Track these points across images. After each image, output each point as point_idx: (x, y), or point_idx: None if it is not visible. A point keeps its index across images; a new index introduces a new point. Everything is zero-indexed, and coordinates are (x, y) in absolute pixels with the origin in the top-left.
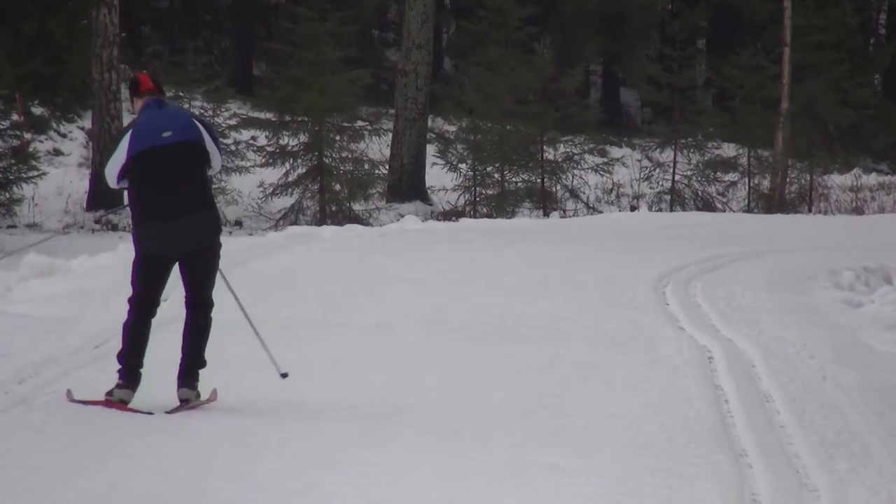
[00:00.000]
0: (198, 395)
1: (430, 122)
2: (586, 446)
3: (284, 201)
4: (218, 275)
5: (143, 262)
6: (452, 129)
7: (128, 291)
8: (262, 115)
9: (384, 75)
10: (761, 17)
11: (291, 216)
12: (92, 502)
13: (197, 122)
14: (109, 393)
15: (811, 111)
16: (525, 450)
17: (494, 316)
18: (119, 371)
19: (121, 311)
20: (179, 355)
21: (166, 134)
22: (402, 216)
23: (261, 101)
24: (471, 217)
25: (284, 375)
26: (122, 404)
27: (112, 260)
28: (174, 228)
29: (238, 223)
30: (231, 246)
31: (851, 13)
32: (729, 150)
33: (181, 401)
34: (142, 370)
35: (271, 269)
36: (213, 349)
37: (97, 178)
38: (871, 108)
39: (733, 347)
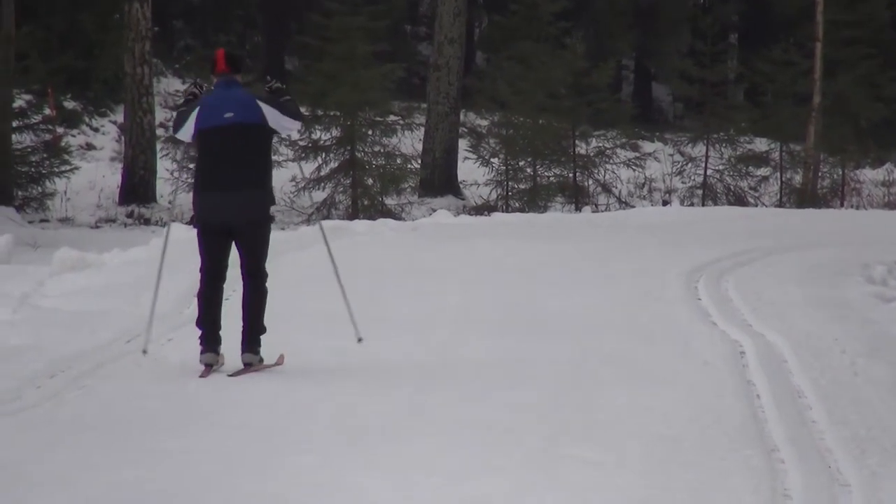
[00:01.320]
0: (260, 360)
1: (462, 117)
2: (617, 440)
3: (317, 195)
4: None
5: (200, 231)
6: (484, 123)
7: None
8: None
9: (416, 69)
10: (793, 12)
11: (324, 210)
12: (121, 496)
13: (261, 104)
14: (201, 362)
15: (843, 106)
16: (556, 443)
17: (526, 309)
18: (200, 337)
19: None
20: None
21: (228, 115)
22: (435, 210)
23: (293, 96)
24: (503, 211)
25: (360, 340)
26: (209, 368)
27: (144, 254)
28: (222, 201)
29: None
30: None
31: (883, 8)
32: (761, 144)
33: (245, 364)
34: (220, 333)
35: (303, 262)
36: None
37: (129, 172)
38: None
39: (765, 342)
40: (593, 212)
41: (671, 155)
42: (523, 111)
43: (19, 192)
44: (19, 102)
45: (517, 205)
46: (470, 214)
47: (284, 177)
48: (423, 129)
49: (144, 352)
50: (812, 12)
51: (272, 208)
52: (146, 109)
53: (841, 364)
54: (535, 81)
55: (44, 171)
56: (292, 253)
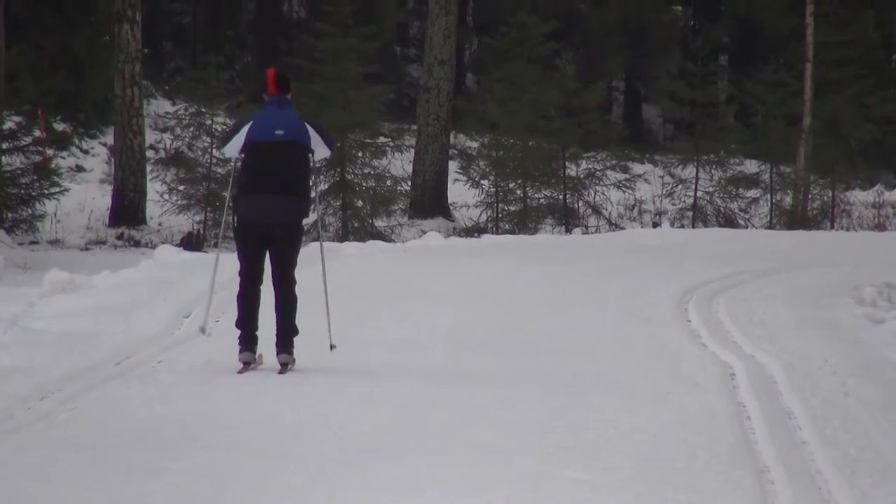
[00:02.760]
0: (294, 360)
1: (452, 139)
2: (609, 461)
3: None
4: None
5: (239, 233)
6: (475, 145)
7: (149, 306)
8: None
9: (406, 91)
10: (783, 33)
11: (313, 233)
12: None
13: (307, 125)
14: (239, 360)
15: (833, 127)
16: (547, 464)
17: (517, 331)
18: (238, 337)
19: (143, 327)
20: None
21: (279, 132)
22: (425, 232)
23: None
24: (493, 233)
25: (333, 347)
26: (246, 366)
27: (134, 276)
28: (264, 201)
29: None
30: None
31: (873, 29)
32: (751, 166)
33: (281, 364)
34: (257, 332)
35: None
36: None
37: (119, 195)
38: (893, 123)
39: (755, 363)
40: (583, 234)
41: (661, 176)
42: (513, 133)
43: (9, 214)
44: (9, 124)
45: (507, 227)
46: (460, 236)
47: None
48: (413, 151)
49: (203, 330)
50: (802, 33)
51: (305, 221)
52: (136, 131)
53: (831, 385)
54: (525, 103)
55: (34, 193)
56: None
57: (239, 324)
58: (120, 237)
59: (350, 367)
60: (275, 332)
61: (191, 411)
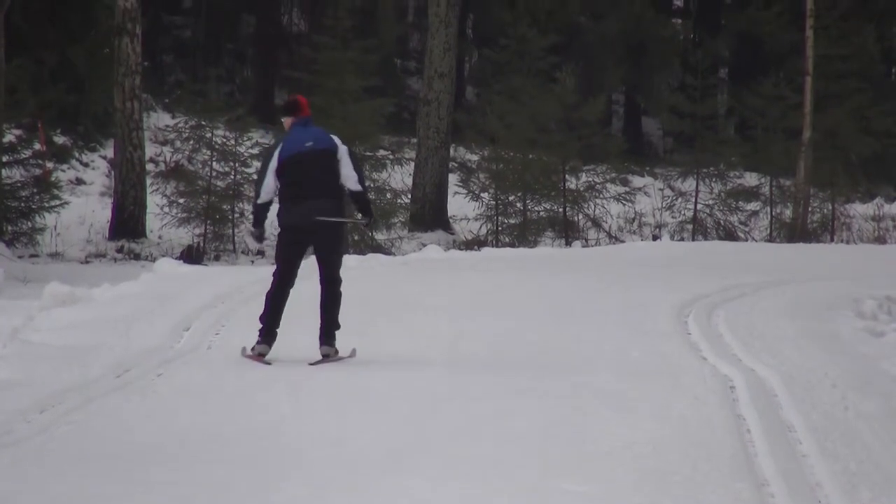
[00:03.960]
0: (336, 351)
1: (451, 152)
2: (609, 474)
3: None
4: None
5: (283, 237)
6: (474, 158)
7: (149, 319)
8: None
9: (406, 104)
10: (783, 46)
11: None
12: None
13: (337, 140)
14: (252, 348)
15: (833, 140)
16: (548, 476)
17: (517, 343)
18: (259, 330)
19: (143, 340)
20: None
21: (308, 144)
22: (425, 245)
23: (283, 130)
24: (493, 246)
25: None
26: (260, 357)
27: (134, 289)
28: (302, 206)
29: (260, 252)
30: (254, 275)
31: (873, 42)
32: (751, 179)
33: (323, 355)
34: (277, 330)
35: (293, 297)
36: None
37: (119, 208)
38: (893, 136)
39: (755, 376)
40: (583, 246)
41: (661, 189)
42: (513, 146)
43: (9, 227)
44: (9, 137)
45: (507, 239)
46: (460, 249)
47: (274, 212)
48: (412, 164)
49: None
50: (802, 47)
51: (363, 222)
52: (136, 144)
53: (832, 398)
54: (525, 116)
55: (34, 206)
56: None
57: (263, 318)
58: (120, 250)
59: (349, 380)
60: (319, 326)
61: (190, 425)
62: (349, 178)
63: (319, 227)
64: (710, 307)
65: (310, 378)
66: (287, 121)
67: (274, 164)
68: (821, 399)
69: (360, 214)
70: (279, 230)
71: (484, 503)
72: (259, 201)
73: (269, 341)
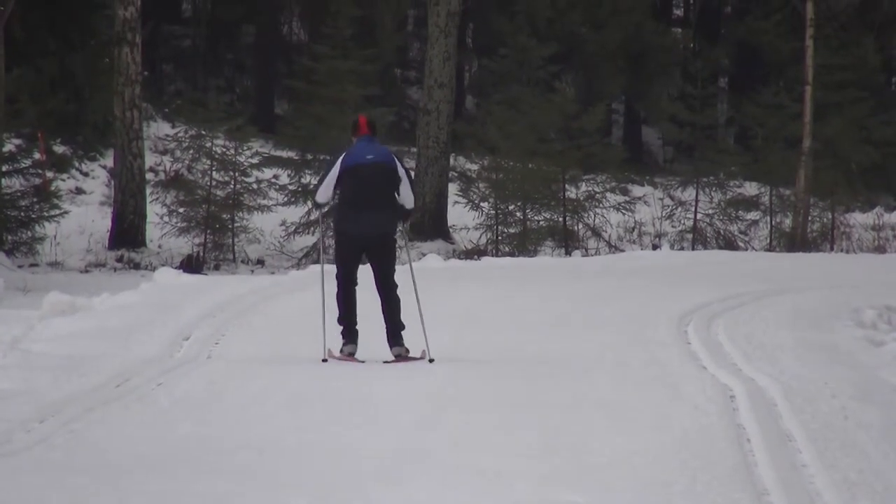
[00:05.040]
0: (407, 350)
1: (451, 161)
2: (609, 484)
3: (306, 240)
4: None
5: (340, 244)
6: (474, 167)
7: (148, 329)
8: (284, 154)
9: (406, 113)
10: (783, 55)
11: (313, 255)
12: None
13: (396, 158)
14: (340, 350)
15: (833, 149)
16: (548, 488)
17: (516, 353)
18: (342, 332)
19: (142, 350)
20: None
21: (369, 157)
22: (425, 255)
23: (283, 140)
24: (493, 256)
25: (431, 361)
26: (351, 356)
27: (134, 298)
28: (364, 216)
29: (260, 262)
30: (253, 284)
31: (873, 52)
32: (751, 188)
33: (395, 356)
34: (357, 327)
35: (294, 307)
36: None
37: (119, 217)
38: (893, 146)
39: (755, 386)
40: (583, 256)
41: (661, 199)
42: (513, 155)
43: (9, 237)
44: (9, 146)
45: (507, 249)
46: (460, 259)
47: (274, 221)
48: (412, 174)
49: (324, 360)
50: (802, 56)
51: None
52: (136, 154)
53: (831, 408)
54: (524, 125)
55: (33, 216)
56: (283, 296)
57: (341, 320)
58: (120, 259)
59: (349, 391)
60: (385, 330)
61: (190, 435)
62: (407, 197)
63: (380, 237)
64: (710, 317)
65: (310, 388)
66: (354, 139)
67: (336, 172)
68: (821, 409)
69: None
70: (338, 235)
71: None
72: (318, 201)
73: (353, 339)
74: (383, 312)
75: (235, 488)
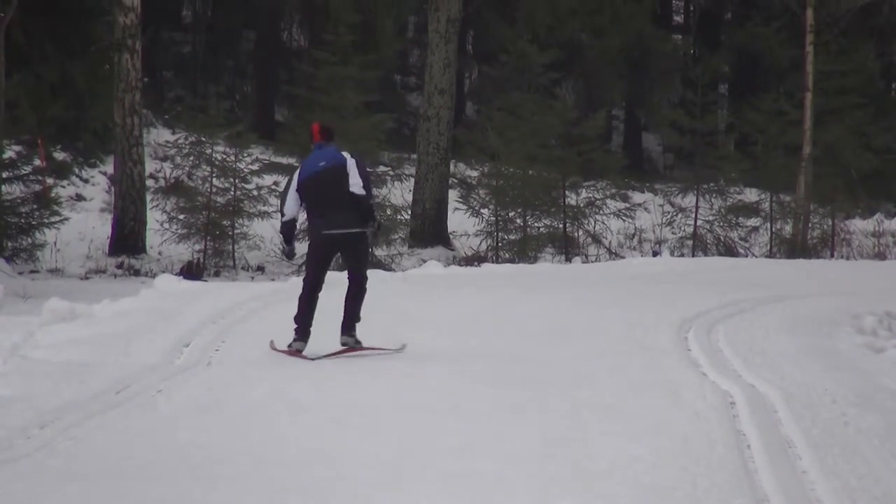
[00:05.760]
0: (356, 342)
1: (452, 168)
2: (609, 490)
3: (306, 246)
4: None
5: (312, 249)
6: (474, 174)
7: (149, 335)
8: (284, 160)
9: (406, 120)
10: (783, 62)
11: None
12: None
13: (346, 154)
14: (289, 345)
15: (833, 156)
16: (548, 493)
17: (517, 359)
18: (295, 329)
19: (143, 357)
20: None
21: (321, 164)
22: (425, 261)
23: (283, 146)
24: (493, 262)
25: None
26: (298, 352)
27: (134, 305)
28: (327, 220)
29: (260, 268)
30: (253, 291)
31: (873, 58)
32: (751, 195)
33: (342, 345)
34: (311, 329)
35: (294, 314)
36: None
37: (119, 224)
38: (893, 152)
39: (755, 392)
40: (583, 262)
41: (661, 205)
42: (513, 162)
43: (9, 243)
44: (9, 153)
45: (507, 255)
46: (460, 265)
47: (274, 227)
48: (412, 180)
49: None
50: (802, 62)
51: (370, 230)
52: (136, 160)
53: (832, 414)
54: (525, 132)
55: (34, 222)
56: (283, 303)
57: (298, 319)
58: (120, 266)
59: (349, 398)
60: (342, 319)
61: (190, 442)
62: (354, 184)
63: (343, 240)
64: (710, 323)
65: (310, 395)
66: (313, 147)
67: (294, 184)
68: (821, 415)
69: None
70: (309, 241)
71: None
72: (284, 219)
73: (304, 338)
74: (345, 300)
75: (235, 495)
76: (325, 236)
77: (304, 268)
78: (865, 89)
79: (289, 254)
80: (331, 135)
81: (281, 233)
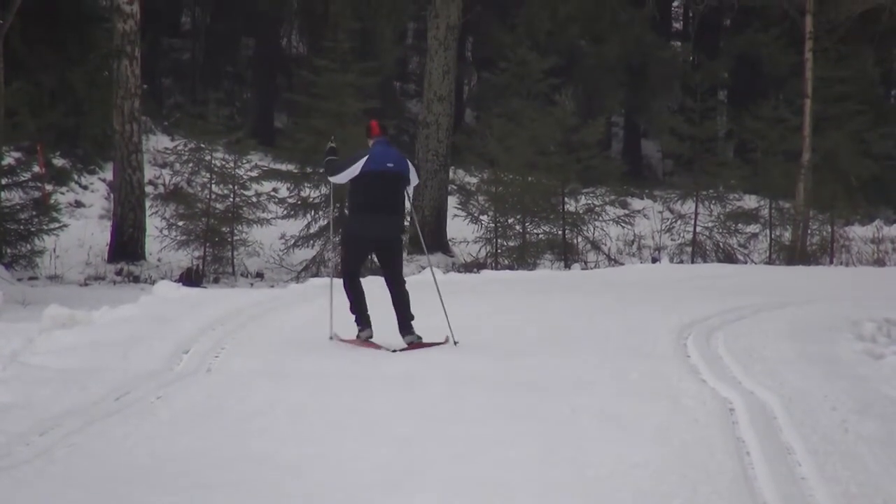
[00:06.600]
0: (419, 337)
1: (451, 174)
2: (609, 496)
3: (306, 253)
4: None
5: (350, 242)
6: (474, 180)
7: (148, 342)
8: (283, 167)
9: (406, 127)
10: (782, 69)
11: (313, 268)
12: None
13: (409, 162)
14: (357, 336)
15: (833, 162)
16: (548, 499)
17: (515, 366)
18: (356, 319)
19: (142, 363)
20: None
21: (389, 164)
22: (424, 268)
23: (282, 153)
24: (492, 269)
25: (456, 343)
26: (369, 341)
27: (133, 311)
28: (375, 220)
29: (259, 275)
30: (252, 297)
31: (872, 65)
32: (750, 201)
33: (408, 343)
34: (368, 313)
35: (293, 320)
36: (232, 401)
37: (119, 230)
38: (892, 159)
39: (755, 399)
40: (583, 269)
41: (660, 212)
42: (513, 168)
43: (8, 250)
44: (8, 160)
45: (506, 262)
46: (459, 272)
47: (273, 234)
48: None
49: (331, 338)
50: (801, 69)
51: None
52: (135, 167)
53: (831, 421)
54: (524, 138)
55: (33, 229)
56: (283, 310)
57: (353, 309)
58: (119, 273)
59: (349, 403)
60: (397, 321)
61: (190, 448)
62: (413, 181)
63: (388, 241)
64: (710, 330)
65: (310, 401)
66: (370, 141)
67: (356, 170)
68: (820, 422)
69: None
70: (348, 236)
71: None
72: (332, 179)
73: (367, 324)
74: (394, 305)
75: (235, 501)
76: (366, 236)
77: (303, 274)
78: (864, 96)
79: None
80: (388, 132)
81: (327, 171)
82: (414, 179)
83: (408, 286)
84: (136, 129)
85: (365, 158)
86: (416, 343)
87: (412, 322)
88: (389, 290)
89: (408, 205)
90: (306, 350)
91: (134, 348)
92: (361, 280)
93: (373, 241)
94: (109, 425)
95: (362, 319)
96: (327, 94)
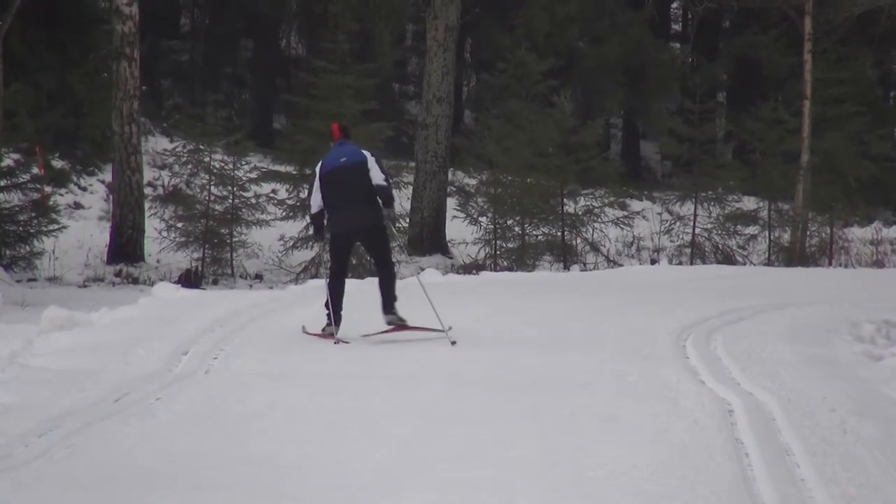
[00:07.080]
0: (400, 318)
1: (450, 175)
2: (608, 497)
3: (305, 254)
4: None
5: (333, 241)
6: (473, 182)
7: (147, 344)
8: (282, 169)
9: (405, 128)
10: (781, 70)
11: (312, 269)
12: None
13: (366, 152)
14: (323, 329)
15: (831, 164)
16: (547, 500)
17: (515, 367)
18: (327, 315)
19: (141, 365)
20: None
21: (342, 159)
22: (423, 269)
23: (281, 154)
24: (491, 270)
25: (454, 343)
26: (331, 336)
27: (132, 313)
28: (347, 214)
29: (258, 276)
30: (251, 299)
31: (871, 66)
32: (749, 203)
33: (388, 323)
34: (342, 313)
35: (292, 321)
36: (231, 402)
37: (118, 232)
38: (891, 160)
39: (754, 400)
40: (582, 271)
41: (659, 213)
42: (512, 170)
43: (7, 251)
44: (7, 161)
45: (505, 263)
46: (458, 273)
47: (273, 235)
48: (411, 188)
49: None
50: (800, 71)
51: (386, 220)
52: (134, 168)
53: (830, 422)
54: (523, 140)
55: (32, 230)
56: (282, 311)
57: (329, 305)
58: (118, 274)
59: (348, 404)
60: (381, 301)
61: (189, 450)
62: (376, 177)
63: (367, 230)
64: (709, 331)
65: (309, 402)
66: (332, 144)
67: (316, 180)
68: (819, 423)
69: (383, 204)
70: (330, 235)
71: None
72: (312, 212)
73: (337, 322)
74: (380, 286)
75: (235, 502)
76: (345, 229)
77: (302, 275)
78: (863, 97)
79: (317, 240)
80: (349, 134)
81: (311, 224)
82: (374, 166)
83: (408, 288)
84: (136, 130)
85: (319, 165)
86: (397, 324)
87: (395, 304)
88: (378, 273)
89: (378, 179)
90: (306, 351)
91: (133, 350)
92: (347, 281)
93: (353, 235)
94: (109, 427)
95: (335, 318)
96: (326, 96)
